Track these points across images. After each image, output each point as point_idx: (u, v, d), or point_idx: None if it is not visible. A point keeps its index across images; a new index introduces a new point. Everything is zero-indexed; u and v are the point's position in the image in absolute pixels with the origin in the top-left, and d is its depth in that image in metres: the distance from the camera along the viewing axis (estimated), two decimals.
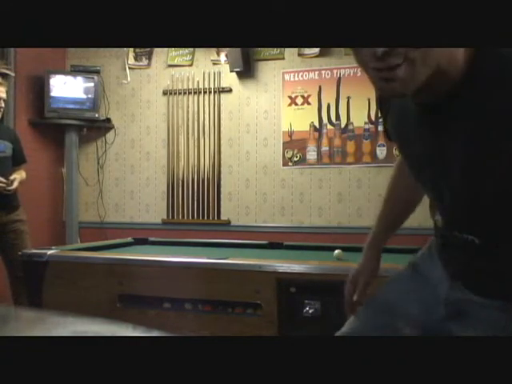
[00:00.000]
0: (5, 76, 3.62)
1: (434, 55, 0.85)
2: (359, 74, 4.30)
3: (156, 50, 5.03)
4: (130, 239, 3.48)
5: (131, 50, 5.06)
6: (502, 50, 0.89)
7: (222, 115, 4.85)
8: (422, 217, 1.44)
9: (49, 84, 4.72)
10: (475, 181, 0.96)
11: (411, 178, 1.18)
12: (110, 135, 5.13)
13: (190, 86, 4.91)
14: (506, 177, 0.91)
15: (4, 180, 3.35)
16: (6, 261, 3.43)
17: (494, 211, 0.98)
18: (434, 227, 1.19)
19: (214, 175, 4.84)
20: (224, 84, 4.86)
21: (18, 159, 3.64)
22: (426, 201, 1.25)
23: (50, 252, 2.57)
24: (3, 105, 3.49)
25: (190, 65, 4.94)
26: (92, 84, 4.88)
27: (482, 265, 1.07)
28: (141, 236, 3.58)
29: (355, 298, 1.38)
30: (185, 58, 4.96)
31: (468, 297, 1.10)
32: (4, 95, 3.48)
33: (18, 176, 3.51)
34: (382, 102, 1.17)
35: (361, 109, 4.43)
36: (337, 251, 2.64)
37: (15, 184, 3.43)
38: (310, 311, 2.12)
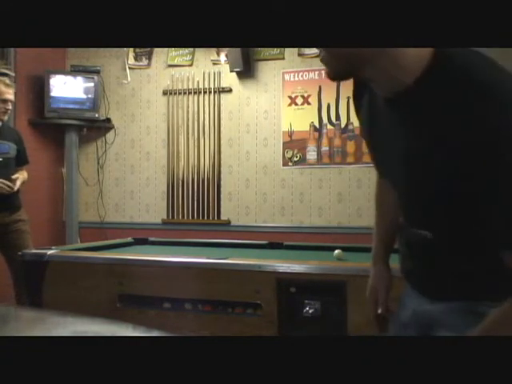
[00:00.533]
0: (11, 77, 3.65)
1: (346, 52, 0.92)
2: None
3: (156, 49, 5.03)
4: (130, 239, 3.48)
5: (131, 49, 5.06)
6: (460, 51, 0.92)
7: (222, 115, 4.85)
8: None
9: (49, 84, 4.73)
10: (421, 175, 0.99)
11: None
12: (109, 135, 5.13)
13: (190, 86, 4.91)
14: (450, 172, 0.93)
15: (7, 183, 3.35)
16: (8, 261, 3.43)
17: (442, 206, 1.00)
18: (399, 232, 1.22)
19: (214, 175, 4.85)
20: (224, 84, 4.86)
21: (21, 160, 3.64)
22: None
23: (49, 252, 2.57)
24: (11, 107, 3.48)
25: (190, 65, 4.94)
26: (92, 84, 4.88)
27: (438, 264, 1.10)
28: (141, 236, 3.58)
29: (379, 312, 1.37)
30: (185, 58, 4.96)
31: (433, 307, 1.12)
32: (12, 97, 3.47)
33: (21, 176, 3.52)
34: (355, 99, 1.20)
35: None
36: (337, 251, 2.64)
37: (18, 184, 3.43)
38: (310, 311, 2.12)
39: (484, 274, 1.05)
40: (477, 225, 0.98)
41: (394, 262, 1.42)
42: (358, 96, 1.19)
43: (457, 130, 0.89)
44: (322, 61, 0.98)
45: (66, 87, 4.80)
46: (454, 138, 0.90)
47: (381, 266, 1.40)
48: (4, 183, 3.34)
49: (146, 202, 5.06)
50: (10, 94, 3.46)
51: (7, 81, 3.51)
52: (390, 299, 1.38)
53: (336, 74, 0.99)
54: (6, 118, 3.54)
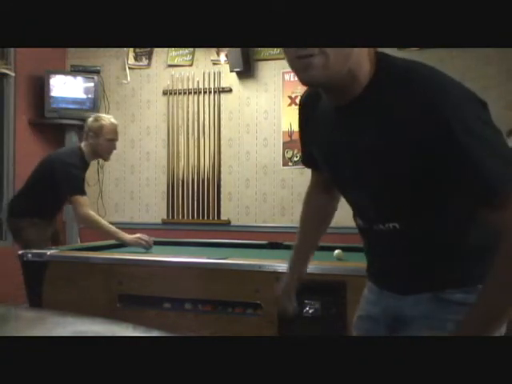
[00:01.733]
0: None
1: (345, 54, 0.97)
2: None
3: (156, 49, 5.03)
4: None
5: (131, 50, 5.06)
6: (398, 59, 1.02)
7: (222, 115, 4.85)
8: None
9: (49, 84, 4.72)
10: (383, 169, 1.05)
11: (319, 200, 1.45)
12: None
13: (190, 86, 4.91)
14: (403, 165, 1.01)
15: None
16: None
17: (407, 194, 1.06)
18: (359, 232, 1.27)
19: (214, 175, 4.84)
20: (224, 84, 4.86)
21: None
22: None
23: (49, 252, 2.57)
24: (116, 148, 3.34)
25: (190, 65, 4.94)
26: (92, 84, 4.88)
27: (406, 254, 1.14)
28: None
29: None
30: (185, 58, 4.96)
31: (401, 302, 1.16)
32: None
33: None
34: (303, 107, 1.27)
35: None
36: (337, 251, 2.64)
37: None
38: (310, 311, 2.12)
39: (446, 261, 1.10)
40: (440, 203, 1.05)
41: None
42: (304, 117, 1.26)
43: (408, 120, 0.97)
44: (298, 64, 0.97)
45: (66, 87, 4.80)
46: (407, 129, 0.97)
47: (291, 273, 1.55)
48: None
49: (146, 202, 5.06)
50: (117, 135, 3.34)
51: (114, 120, 3.30)
52: (286, 301, 1.57)
53: (328, 73, 1.00)
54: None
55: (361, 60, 1.00)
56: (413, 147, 0.98)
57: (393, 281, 1.20)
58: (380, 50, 1.04)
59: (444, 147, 0.94)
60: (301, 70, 0.98)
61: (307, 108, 1.24)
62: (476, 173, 0.94)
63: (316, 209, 1.52)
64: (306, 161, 1.40)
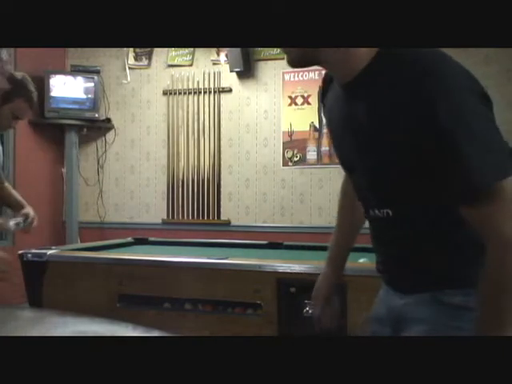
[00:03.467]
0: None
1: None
2: None
3: (156, 49, 5.03)
4: (130, 239, 3.48)
5: (131, 50, 5.06)
6: (400, 50, 0.99)
7: (222, 115, 4.85)
8: None
9: (49, 84, 4.73)
10: (376, 152, 1.05)
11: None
12: (110, 135, 5.13)
13: (190, 86, 4.91)
14: (392, 150, 1.01)
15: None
16: None
17: (398, 179, 1.06)
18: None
19: (214, 175, 4.84)
20: (224, 84, 4.85)
21: None
22: None
23: (49, 252, 2.57)
24: None
25: (190, 65, 4.94)
26: (92, 84, 4.88)
27: (401, 245, 1.14)
28: (141, 236, 3.58)
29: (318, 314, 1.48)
30: (185, 58, 4.96)
31: (403, 301, 1.15)
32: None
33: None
34: (323, 92, 1.27)
35: None
36: (362, 259, 2.58)
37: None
38: (310, 311, 2.12)
39: (443, 256, 1.09)
40: (432, 192, 1.02)
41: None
42: (324, 92, 1.26)
43: (398, 104, 0.96)
44: (282, 48, 1.04)
45: (66, 87, 4.80)
46: (397, 113, 0.97)
47: (330, 269, 1.47)
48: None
49: (146, 202, 5.06)
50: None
51: None
52: (330, 299, 1.47)
53: (296, 61, 1.05)
54: None
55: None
56: (401, 131, 0.98)
57: (393, 276, 1.20)
58: None
59: (429, 133, 0.93)
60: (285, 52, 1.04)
61: (324, 91, 1.25)
62: (457, 164, 0.92)
63: (351, 200, 1.40)
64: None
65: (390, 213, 1.10)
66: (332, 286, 1.47)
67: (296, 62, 1.06)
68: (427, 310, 1.10)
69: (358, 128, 1.07)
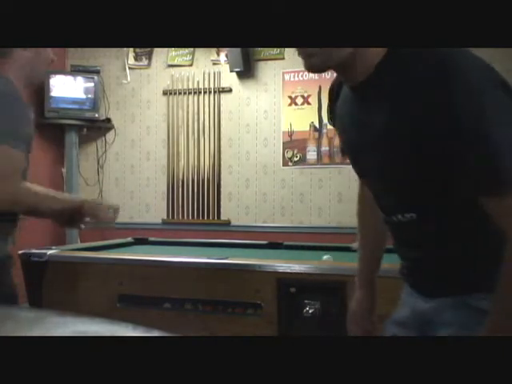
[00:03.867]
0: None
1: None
2: None
3: (156, 49, 5.02)
4: (130, 239, 3.48)
5: (131, 50, 5.06)
6: (412, 50, 0.96)
7: (222, 115, 4.85)
8: None
9: (49, 84, 4.72)
10: (396, 154, 1.01)
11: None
12: (110, 135, 5.13)
13: (190, 86, 4.91)
14: (413, 149, 0.97)
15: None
16: None
17: (420, 181, 1.02)
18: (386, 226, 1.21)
19: (214, 175, 4.84)
20: (224, 84, 4.85)
21: None
22: None
23: (50, 252, 2.57)
24: None
25: (190, 65, 4.94)
26: (92, 84, 4.87)
27: (426, 249, 1.10)
28: (141, 236, 3.58)
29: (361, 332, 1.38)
30: (185, 58, 4.96)
31: (428, 305, 1.11)
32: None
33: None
34: (331, 92, 1.26)
35: None
36: (326, 257, 2.61)
37: None
38: (310, 311, 2.12)
39: (470, 259, 1.05)
40: (457, 194, 1.00)
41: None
42: (333, 97, 1.23)
43: (416, 101, 0.93)
44: (302, 53, 0.99)
45: (66, 87, 4.80)
46: (420, 113, 0.93)
47: (365, 290, 1.39)
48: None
49: (146, 202, 5.06)
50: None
51: None
52: (374, 320, 1.38)
53: (319, 66, 1.01)
54: None
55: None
56: (423, 130, 0.94)
57: (419, 279, 1.16)
58: None
59: (454, 128, 0.90)
60: (304, 58, 0.99)
61: (332, 94, 1.23)
62: (485, 155, 0.89)
63: (371, 208, 1.34)
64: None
65: (415, 216, 1.07)
66: (367, 311, 1.39)
67: (319, 67, 1.01)
68: (454, 314, 1.06)
69: (376, 131, 1.03)
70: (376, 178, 1.13)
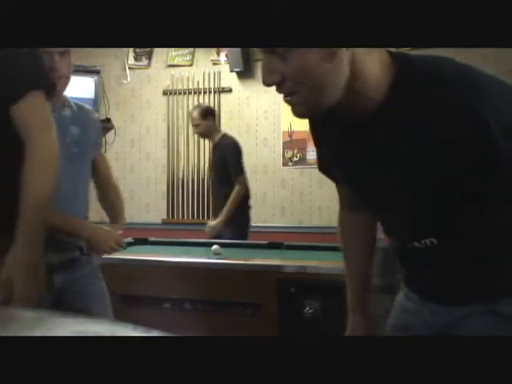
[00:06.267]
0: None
1: (323, 81, 0.88)
2: None
3: (156, 49, 5.03)
4: (130, 239, 3.48)
5: (131, 49, 5.06)
6: (421, 57, 0.91)
7: (222, 115, 4.85)
8: None
9: None
10: (417, 186, 0.95)
11: (356, 221, 1.24)
12: (110, 135, 5.12)
13: (190, 86, 4.91)
14: (439, 175, 0.91)
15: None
16: None
17: (443, 210, 0.97)
18: (394, 252, 1.14)
19: None
20: (224, 84, 4.86)
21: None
22: None
23: None
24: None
25: (190, 65, 4.94)
26: (92, 84, 4.87)
27: (449, 269, 1.04)
28: (141, 236, 3.57)
29: None
30: (185, 58, 4.96)
31: (448, 313, 1.06)
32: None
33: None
34: (314, 131, 1.16)
35: None
36: (214, 246, 2.61)
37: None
38: (310, 311, 2.12)
39: (496, 269, 1.00)
40: (479, 215, 0.95)
41: None
42: (315, 127, 1.15)
43: (442, 126, 0.87)
44: (288, 101, 0.93)
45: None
46: (442, 135, 0.87)
47: (358, 316, 1.30)
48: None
49: (146, 202, 5.06)
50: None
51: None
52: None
53: (306, 114, 0.97)
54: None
55: (365, 72, 0.90)
56: (448, 154, 0.88)
57: (437, 292, 1.09)
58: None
59: (483, 153, 0.85)
60: (289, 105, 0.94)
61: (317, 124, 1.13)
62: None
63: (355, 232, 1.28)
64: (324, 169, 1.28)
65: (435, 241, 1.00)
66: (369, 331, 1.29)
67: (305, 115, 0.97)
68: (481, 323, 1.00)
69: (388, 162, 0.95)
70: (389, 209, 1.06)
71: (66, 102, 1.97)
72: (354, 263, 1.31)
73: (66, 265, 1.79)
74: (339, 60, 0.88)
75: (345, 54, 0.88)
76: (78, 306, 1.74)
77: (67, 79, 1.86)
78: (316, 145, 1.20)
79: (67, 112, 1.97)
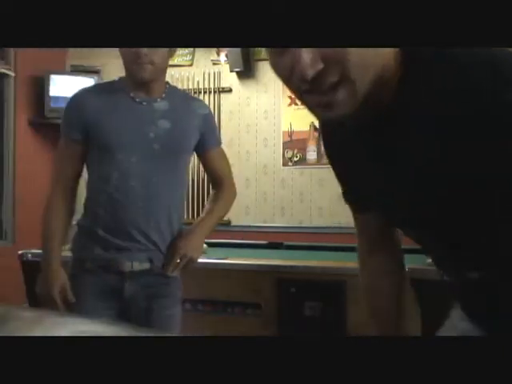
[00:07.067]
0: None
1: (372, 63, 0.75)
2: None
3: None
4: None
5: None
6: (430, 50, 0.80)
7: (222, 115, 4.85)
8: None
9: (49, 84, 4.72)
10: (456, 191, 0.78)
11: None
12: None
13: (190, 86, 4.91)
14: (479, 175, 0.74)
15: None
16: None
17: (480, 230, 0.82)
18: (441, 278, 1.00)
19: None
20: (224, 84, 4.86)
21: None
22: None
23: None
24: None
25: (190, 65, 4.94)
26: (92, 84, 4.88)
27: (504, 298, 0.88)
28: None
29: None
30: (185, 58, 4.96)
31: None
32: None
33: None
34: (325, 140, 1.00)
35: None
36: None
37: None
38: (310, 311, 2.12)
39: None
40: None
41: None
42: (327, 136, 1.00)
43: (469, 115, 0.72)
44: (325, 102, 0.74)
45: (66, 87, 4.80)
46: (471, 125, 0.72)
47: None
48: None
49: None
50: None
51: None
52: None
53: (358, 101, 0.75)
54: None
55: (386, 59, 0.77)
56: (484, 148, 0.72)
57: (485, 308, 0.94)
58: None
59: None
60: (319, 108, 0.75)
61: (328, 134, 0.98)
62: None
63: (382, 281, 1.12)
64: (350, 198, 1.07)
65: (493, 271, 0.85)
66: None
67: (346, 116, 0.75)
68: None
69: (413, 166, 0.79)
70: (420, 228, 0.90)
71: (163, 94, 1.78)
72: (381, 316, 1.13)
73: (136, 275, 1.80)
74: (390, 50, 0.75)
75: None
76: (139, 323, 1.76)
77: (156, 66, 1.70)
78: (333, 164, 1.02)
79: (161, 104, 1.79)
